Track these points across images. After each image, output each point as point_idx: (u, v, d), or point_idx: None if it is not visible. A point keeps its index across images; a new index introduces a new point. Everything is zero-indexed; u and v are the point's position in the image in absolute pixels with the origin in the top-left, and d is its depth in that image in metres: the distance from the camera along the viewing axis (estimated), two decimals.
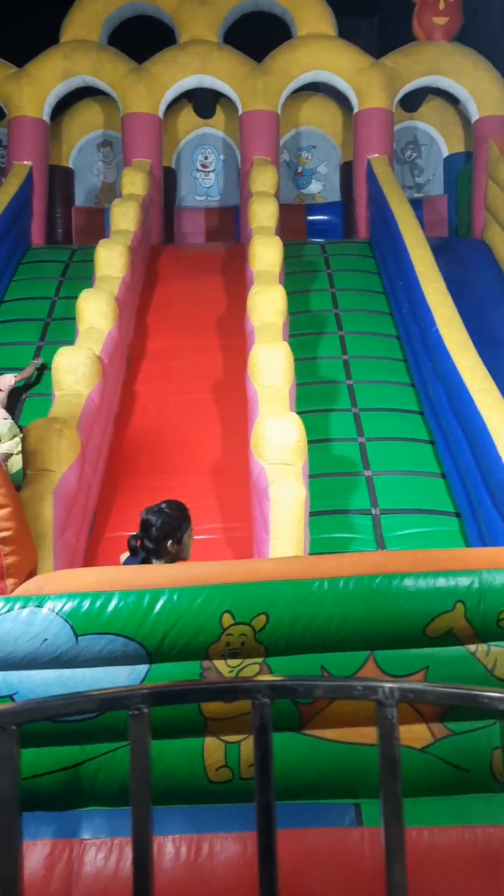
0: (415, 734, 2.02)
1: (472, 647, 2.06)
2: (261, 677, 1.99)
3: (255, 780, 1.04)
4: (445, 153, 9.11)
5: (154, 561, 3.00)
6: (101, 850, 1.85)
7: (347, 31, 9.04)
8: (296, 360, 5.28)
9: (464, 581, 2.06)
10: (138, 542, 3.04)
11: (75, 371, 4.84)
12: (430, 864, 1.83)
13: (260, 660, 2.02)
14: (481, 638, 2.06)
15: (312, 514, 4.54)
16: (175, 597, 1.97)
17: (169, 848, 1.89)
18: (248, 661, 2.01)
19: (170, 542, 3.01)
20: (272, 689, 1.02)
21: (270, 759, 1.03)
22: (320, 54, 8.23)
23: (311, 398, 5.71)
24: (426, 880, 1.82)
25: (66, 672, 1.96)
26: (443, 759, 2.01)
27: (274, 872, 1.02)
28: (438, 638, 2.05)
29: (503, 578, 2.08)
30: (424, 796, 2.00)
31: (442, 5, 8.17)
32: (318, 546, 4.42)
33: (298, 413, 4.77)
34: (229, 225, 8.88)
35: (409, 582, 2.06)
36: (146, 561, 3.01)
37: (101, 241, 6.33)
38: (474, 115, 8.29)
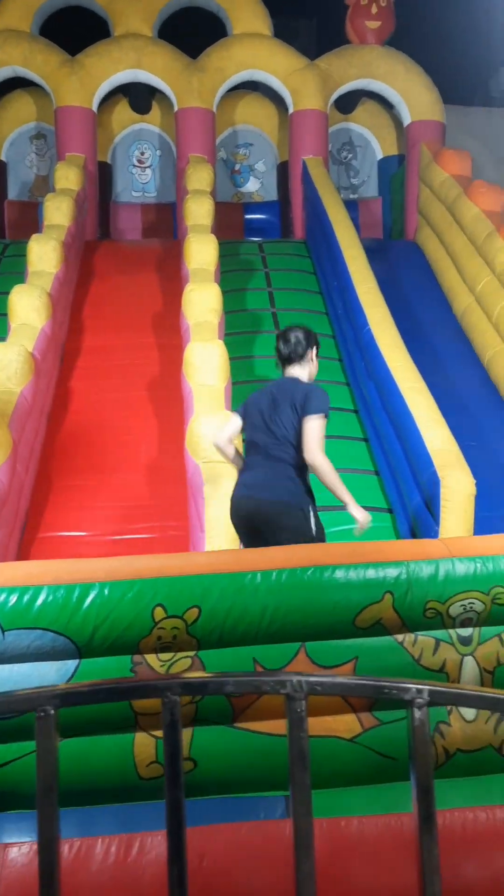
0: (344, 725, 2.05)
1: (400, 637, 2.10)
2: (192, 673, 1.98)
3: (164, 778, 1.04)
4: (380, 155, 9.27)
5: (299, 369, 3.38)
6: (24, 852, 1.81)
7: (286, 32, 9.10)
8: (232, 358, 5.28)
9: (392, 572, 2.10)
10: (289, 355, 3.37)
11: (7, 368, 4.73)
12: (359, 852, 1.85)
13: (192, 653, 2.02)
14: (409, 628, 2.11)
15: None
16: (106, 591, 1.95)
17: (98, 848, 1.86)
18: (180, 654, 2.01)
19: (315, 348, 3.42)
20: (182, 686, 1.02)
21: (180, 757, 1.02)
22: (255, 53, 8.26)
23: (247, 397, 5.72)
24: (354, 869, 1.84)
25: None
26: (371, 749, 2.04)
27: (183, 871, 1.01)
28: (367, 628, 2.09)
29: (430, 569, 2.13)
30: (354, 786, 2.03)
31: (374, 9, 8.31)
32: None
33: (235, 411, 4.77)
34: (166, 222, 8.82)
35: (339, 573, 2.09)
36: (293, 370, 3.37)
37: (34, 236, 6.21)
38: (406, 118, 8.46)
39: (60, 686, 0.99)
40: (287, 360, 3.40)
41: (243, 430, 3.45)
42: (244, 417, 3.42)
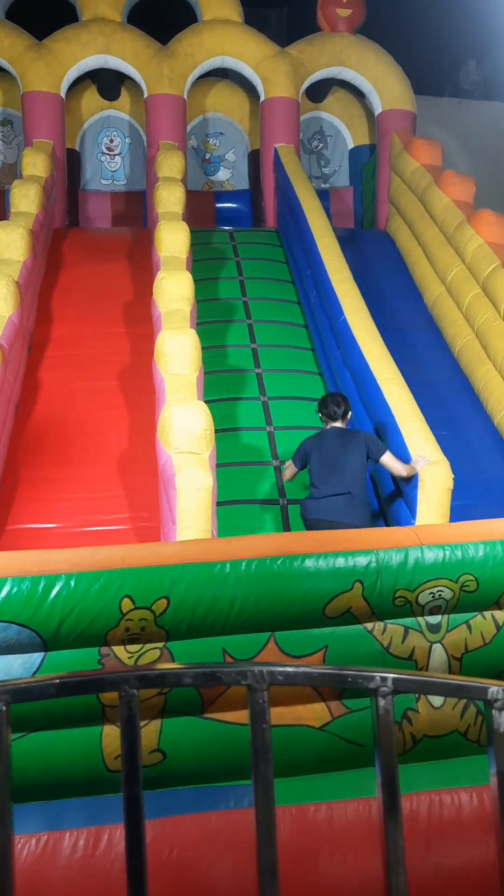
0: (313, 713, 2.05)
1: (370, 626, 2.11)
2: (160, 665, 1.96)
3: (122, 773, 1.02)
4: (351, 145, 9.25)
5: (342, 422, 4.46)
6: None
7: (257, 20, 9.02)
8: (204, 348, 5.24)
9: (362, 561, 2.10)
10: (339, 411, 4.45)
11: None
12: (328, 837, 1.85)
13: (161, 644, 2.00)
14: (378, 616, 2.11)
15: (220, 503, 4.53)
16: (72, 582, 1.92)
17: (66, 842, 1.84)
18: (148, 646, 1.99)
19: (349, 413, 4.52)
20: (139, 679, 0.99)
21: (138, 751, 1.00)
22: (226, 40, 8.18)
23: (219, 387, 5.70)
24: (324, 854, 1.85)
25: None
26: (340, 737, 2.04)
27: (142, 868, 1.00)
28: (337, 618, 2.08)
29: (399, 557, 2.13)
30: (323, 773, 2.03)
31: None
32: (227, 535, 4.42)
33: (207, 402, 4.74)
34: (136, 210, 8.72)
35: (309, 563, 2.09)
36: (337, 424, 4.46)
37: (0, 223, 6.10)
38: (377, 108, 8.45)
39: (11, 681, 0.96)
40: (335, 416, 4.45)
41: (303, 467, 4.45)
42: (306, 459, 4.41)
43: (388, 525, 4.47)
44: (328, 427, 4.46)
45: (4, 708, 0.92)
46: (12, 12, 8.35)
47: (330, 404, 4.47)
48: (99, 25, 8.07)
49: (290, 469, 4.56)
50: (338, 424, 4.45)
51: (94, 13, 8.16)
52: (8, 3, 8.28)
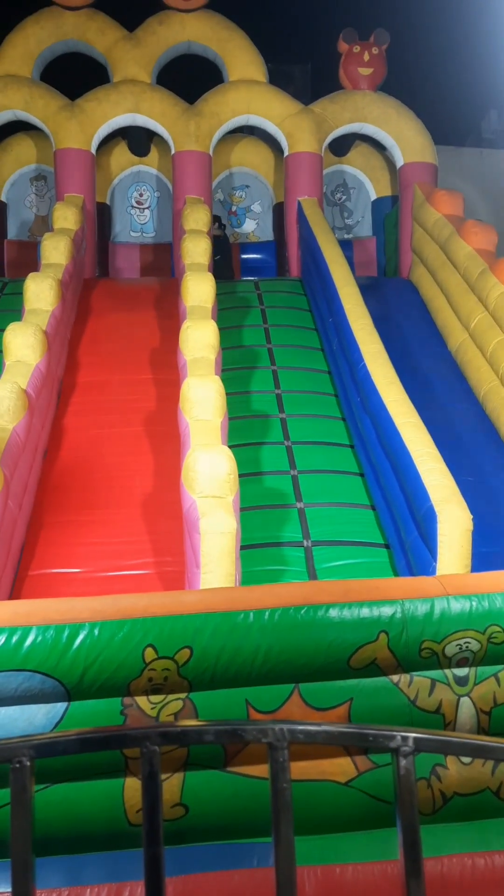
0: (339, 768, 2.01)
1: (395, 678, 2.07)
2: (183, 719, 1.94)
3: (143, 831, 1.00)
4: (373, 196, 9.44)
5: None
6: None
7: (281, 77, 9.32)
8: (229, 394, 5.29)
9: (387, 611, 2.08)
10: None
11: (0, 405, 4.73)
12: None
13: (184, 695, 1.98)
14: (404, 668, 2.08)
15: (244, 547, 4.52)
16: (96, 631, 1.92)
17: None
18: (171, 696, 1.97)
19: None
20: (161, 735, 0.99)
21: (159, 808, 0.99)
22: (251, 99, 8.46)
23: (244, 432, 5.73)
24: None
25: None
26: (366, 793, 2.00)
27: None
28: (362, 669, 2.05)
29: (425, 608, 2.10)
30: (349, 831, 1.98)
31: (367, 57, 8.54)
32: (250, 579, 4.40)
33: (231, 446, 4.77)
34: (164, 261, 8.94)
35: (333, 612, 2.07)
36: None
37: (31, 275, 6.27)
38: (399, 161, 8.63)
39: (36, 736, 0.96)
40: None
41: None
42: None
43: (409, 565, 4.41)
44: None
45: (28, 763, 0.92)
46: (47, 73, 8.73)
47: None
48: (129, 86, 8.40)
49: None
50: None
51: (124, 74, 8.51)
52: (43, 65, 8.66)
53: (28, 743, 0.92)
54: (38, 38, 8.49)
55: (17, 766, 0.92)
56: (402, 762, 0.96)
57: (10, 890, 1.82)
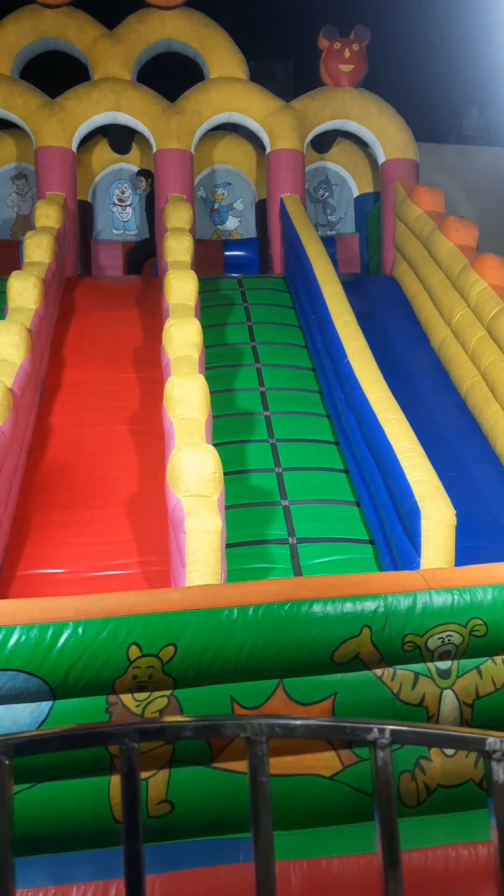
0: (324, 762, 2.02)
1: (379, 672, 2.09)
2: (167, 715, 1.95)
3: (122, 827, 1.01)
4: (356, 193, 9.46)
5: None
6: None
7: (263, 74, 9.31)
8: (213, 392, 5.29)
9: (370, 605, 2.10)
10: None
11: None
12: (340, 893, 1.82)
13: (168, 692, 1.99)
14: (387, 662, 2.10)
15: (230, 545, 4.53)
16: (80, 630, 1.92)
17: None
18: (156, 694, 1.98)
19: None
20: (140, 732, 1.00)
21: (138, 805, 1.00)
22: (232, 97, 8.45)
23: (228, 430, 5.74)
24: None
25: None
26: (351, 786, 2.01)
27: None
28: (346, 663, 2.07)
29: (408, 602, 2.12)
30: (335, 825, 2.00)
31: (347, 53, 8.55)
32: (236, 577, 4.41)
33: (216, 445, 4.77)
34: None
35: (317, 608, 2.08)
36: None
37: (14, 273, 6.24)
38: (381, 157, 8.66)
39: (14, 735, 0.96)
40: None
41: None
42: None
43: (394, 560, 4.44)
44: None
45: (7, 762, 0.92)
46: (26, 71, 8.68)
47: None
48: (109, 84, 8.36)
49: None
50: None
51: (104, 72, 8.47)
52: (23, 63, 8.61)
53: (7, 742, 0.93)
54: (17, 35, 8.44)
55: None
56: (380, 754, 0.97)
57: None
